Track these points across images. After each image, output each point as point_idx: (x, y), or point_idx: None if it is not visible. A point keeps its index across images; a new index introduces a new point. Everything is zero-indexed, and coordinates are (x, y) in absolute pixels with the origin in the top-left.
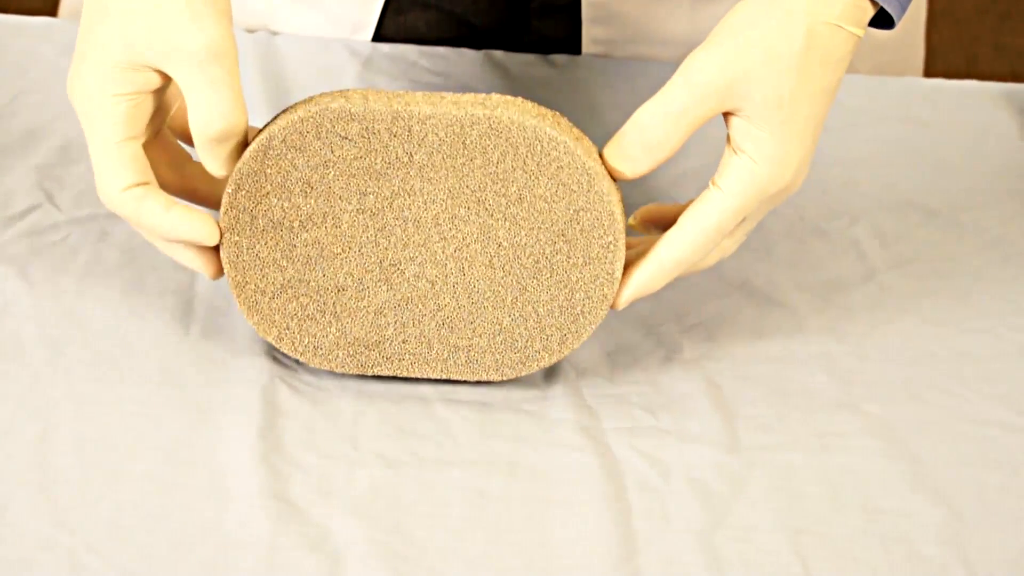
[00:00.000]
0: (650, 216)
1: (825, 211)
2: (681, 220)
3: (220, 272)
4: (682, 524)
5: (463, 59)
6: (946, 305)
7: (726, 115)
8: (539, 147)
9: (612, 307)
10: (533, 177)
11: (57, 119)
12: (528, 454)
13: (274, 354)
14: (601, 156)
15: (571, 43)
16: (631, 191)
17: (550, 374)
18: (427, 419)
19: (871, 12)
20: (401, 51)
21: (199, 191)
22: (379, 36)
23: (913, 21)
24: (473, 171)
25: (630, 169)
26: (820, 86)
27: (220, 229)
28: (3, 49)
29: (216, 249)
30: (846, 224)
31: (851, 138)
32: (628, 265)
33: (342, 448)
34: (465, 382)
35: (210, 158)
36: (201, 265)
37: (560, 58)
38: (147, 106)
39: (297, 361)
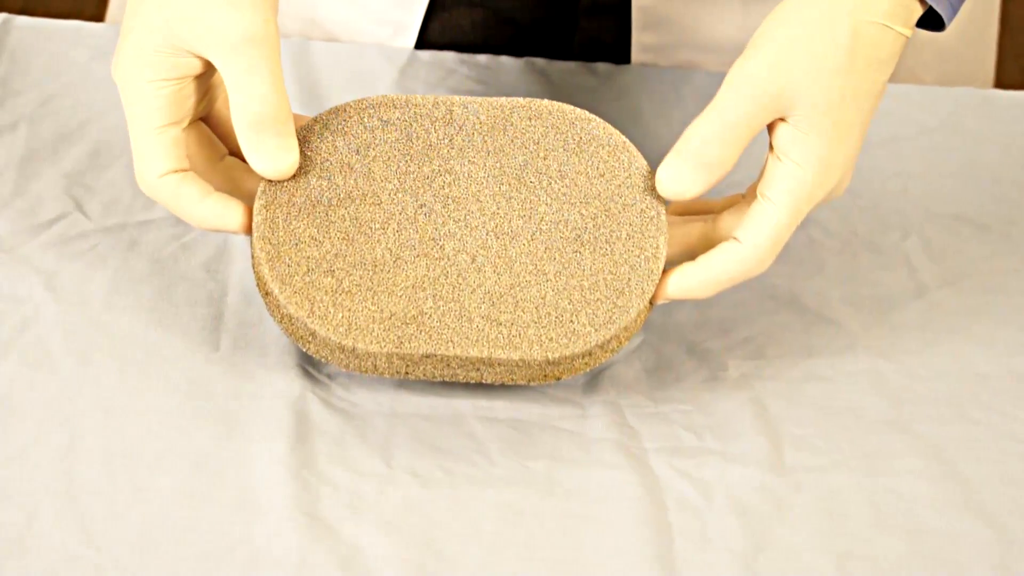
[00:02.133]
0: (688, 210)
1: (877, 225)
2: (738, 234)
3: (249, 228)
4: (723, 546)
5: (503, 66)
6: (997, 323)
7: (770, 125)
8: (579, 126)
9: (652, 300)
10: (573, 154)
11: (88, 124)
12: (565, 473)
13: (306, 367)
14: (654, 177)
15: (620, 49)
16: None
17: (589, 390)
18: (461, 436)
19: (919, 12)
20: (439, 58)
21: (236, 185)
22: (423, 34)
23: (980, 29)
24: (514, 151)
25: (689, 190)
26: (866, 87)
27: (252, 218)
28: (34, 53)
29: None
30: (898, 239)
31: (903, 150)
32: (678, 254)
33: (374, 464)
34: (501, 397)
35: (250, 148)
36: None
37: (603, 66)
38: (188, 92)
39: (329, 375)
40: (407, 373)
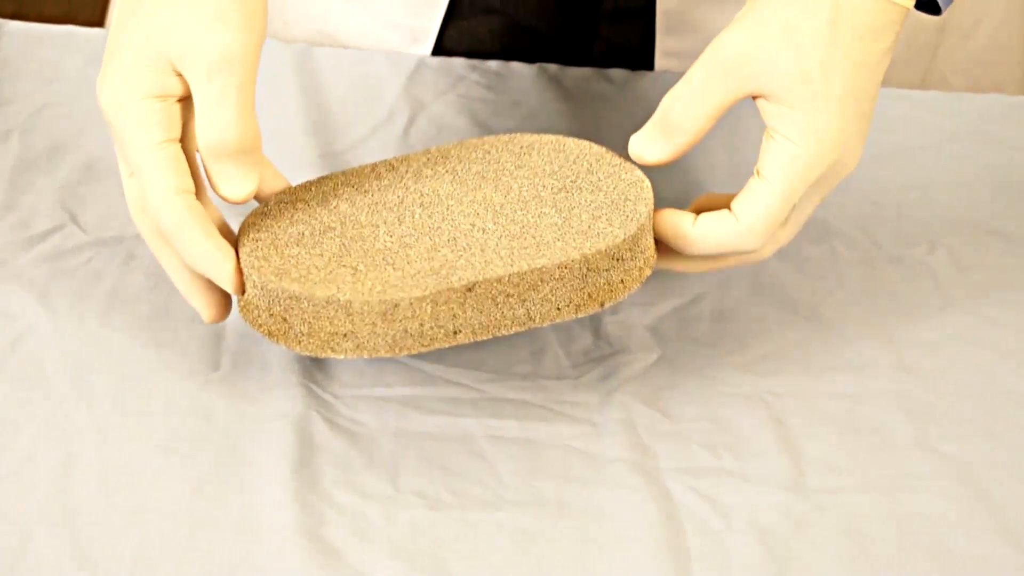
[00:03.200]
0: (705, 205)
1: (901, 237)
2: (732, 206)
3: (220, 318)
4: (743, 570)
5: (514, 73)
6: None
7: (757, 100)
8: (518, 139)
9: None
10: (524, 154)
11: (82, 134)
12: (578, 495)
13: (309, 386)
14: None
15: (643, 55)
16: (685, 183)
17: (602, 407)
18: (471, 457)
19: None
20: (448, 64)
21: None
22: (440, 42)
23: (1012, 33)
24: (467, 165)
25: (653, 154)
26: (855, 58)
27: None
28: (26, 60)
29: (228, 294)
30: (923, 251)
31: (929, 158)
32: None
33: (381, 487)
34: (511, 415)
35: (211, 173)
36: (204, 303)
37: (619, 73)
38: (176, 111)
39: (333, 394)
40: (455, 331)
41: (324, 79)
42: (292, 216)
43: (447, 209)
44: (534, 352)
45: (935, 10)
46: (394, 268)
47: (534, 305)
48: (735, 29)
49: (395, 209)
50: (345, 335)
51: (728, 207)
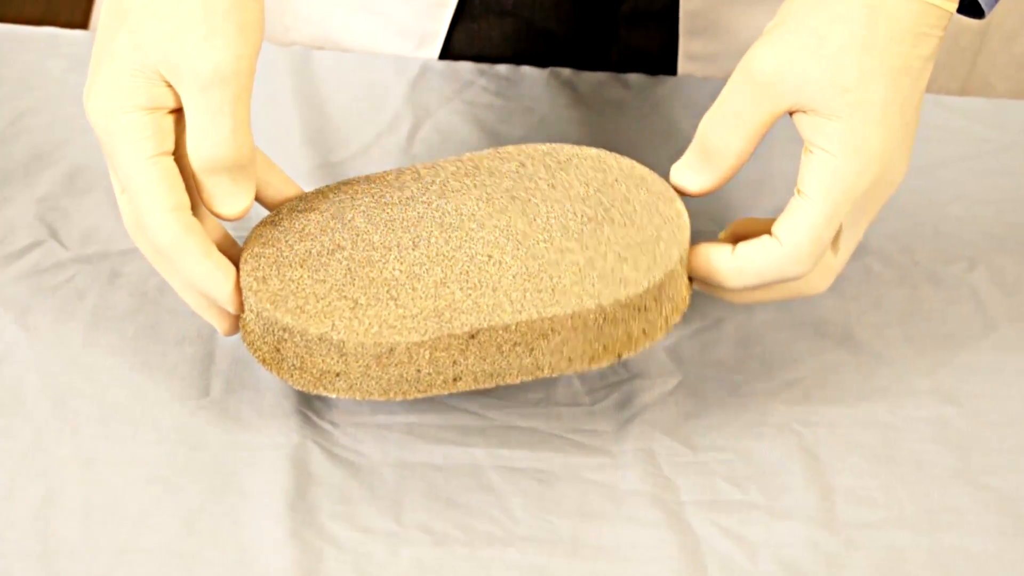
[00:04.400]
0: (743, 230)
1: (941, 254)
2: (775, 231)
3: (234, 330)
4: None
5: (525, 77)
6: None
7: (793, 115)
8: (556, 151)
9: (690, 271)
10: (559, 170)
11: (65, 143)
12: (595, 531)
13: (305, 412)
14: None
15: (665, 60)
16: (715, 202)
17: (620, 436)
18: (479, 490)
19: None
20: (455, 68)
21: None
22: (448, 46)
23: None
24: (496, 181)
25: (696, 184)
26: (895, 64)
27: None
28: (4, 64)
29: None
30: (964, 269)
31: (970, 170)
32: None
33: (383, 522)
34: (523, 445)
35: (204, 189)
36: (215, 317)
37: (636, 78)
38: (167, 123)
39: (332, 422)
40: (455, 379)
41: (323, 85)
42: (303, 229)
43: (467, 234)
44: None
45: (978, 13)
46: (396, 304)
47: (543, 355)
48: (765, 42)
49: (412, 229)
50: (338, 374)
51: (769, 232)
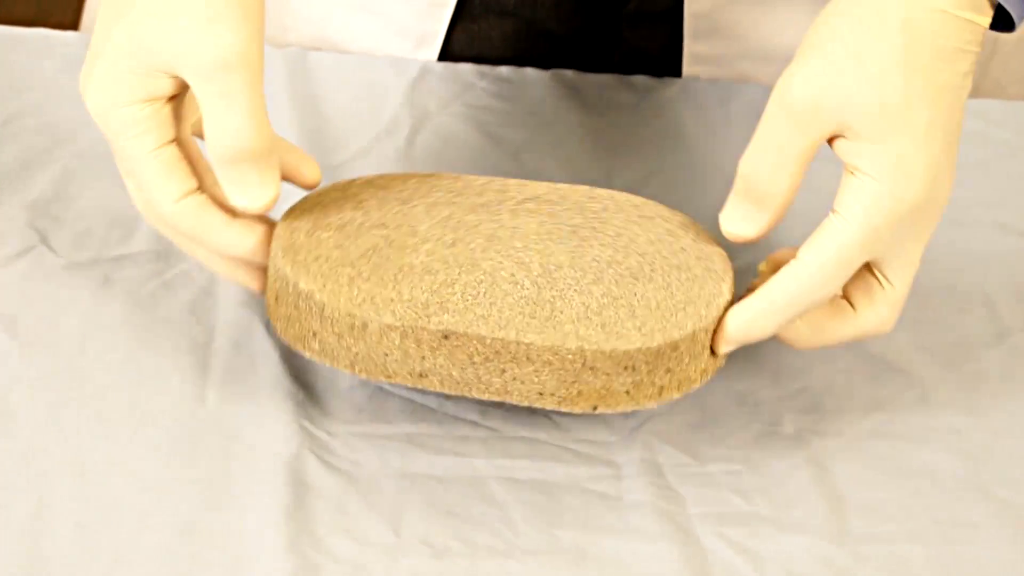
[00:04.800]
0: (783, 261)
1: (953, 260)
2: (799, 253)
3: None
4: None
5: (528, 79)
6: None
7: (832, 142)
8: (644, 207)
9: (715, 345)
10: (633, 224)
11: (55, 147)
12: (598, 543)
13: (302, 423)
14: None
15: (669, 60)
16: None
17: (624, 446)
18: (480, 501)
19: (988, 5)
20: (455, 70)
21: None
22: (447, 46)
23: None
24: (569, 214)
25: (750, 229)
26: (937, 82)
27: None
28: None
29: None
30: (977, 275)
31: (983, 173)
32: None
33: (382, 534)
34: (525, 455)
35: (226, 182)
36: (249, 279)
37: (642, 79)
38: (167, 109)
39: (329, 432)
40: (421, 374)
41: (319, 86)
42: (363, 200)
43: (508, 250)
44: None
45: (1009, 26)
46: (394, 287)
47: (513, 380)
48: (800, 67)
49: (459, 231)
50: (315, 335)
51: None
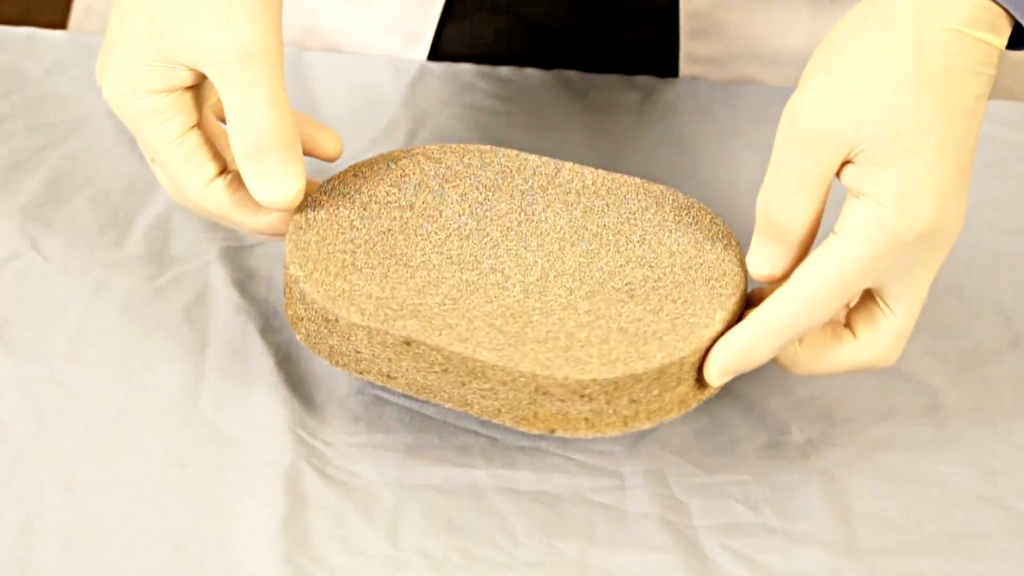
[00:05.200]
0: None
1: (965, 263)
2: (794, 274)
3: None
4: None
5: (529, 80)
6: None
7: (839, 169)
8: (686, 206)
9: (703, 376)
10: (666, 231)
11: (45, 149)
12: (602, 555)
13: (299, 432)
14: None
15: (666, 61)
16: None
17: (629, 456)
18: (481, 512)
19: (1007, 23)
20: (454, 70)
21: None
22: (436, 44)
23: None
24: (605, 213)
25: (777, 267)
26: (949, 103)
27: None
28: None
29: None
30: (989, 279)
31: (993, 176)
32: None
33: (380, 546)
34: (526, 465)
35: (249, 175)
36: (274, 227)
37: (646, 80)
38: (187, 101)
39: (326, 442)
40: (389, 375)
41: (315, 87)
42: (408, 177)
43: (519, 248)
44: None
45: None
46: (380, 282)
47: (472, 393)
48: (808, 91)
49: (484, 220)
50: (301, 320)
51: None
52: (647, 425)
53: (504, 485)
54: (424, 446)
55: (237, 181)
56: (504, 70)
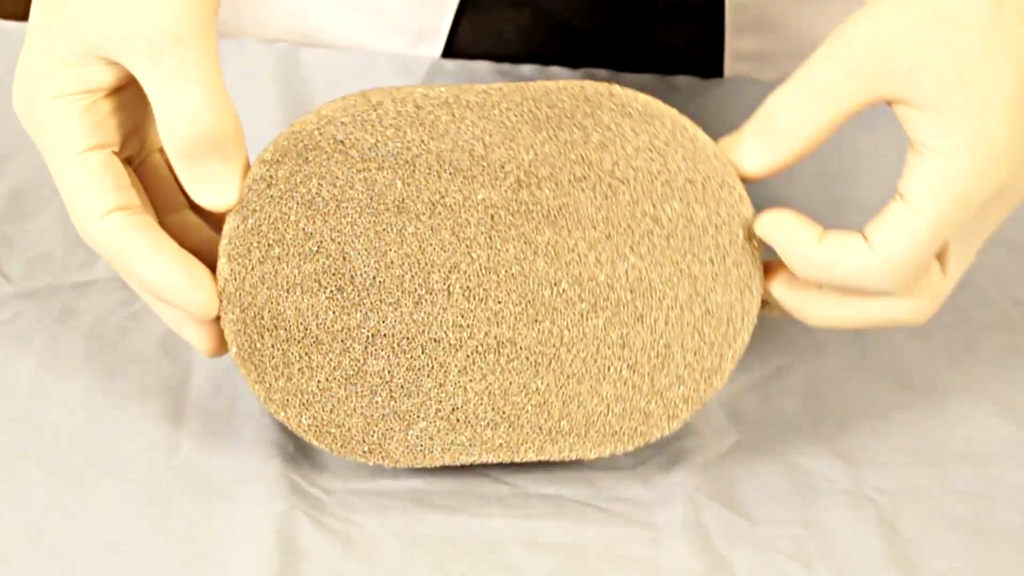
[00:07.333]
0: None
1: None
2: (868, 234)
3: (221, 349)
4: None
5: (554, 79)
6: None
7: (896, 107)
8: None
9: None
10: (705, 247)
11: (6, 159)
12: None
13: (292, 477)
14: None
15: (709, 60)
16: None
17: (664, 504)
18: (498, 568)
19: None
20: (470, 68)
21: (194, 246)
22: (452, 42)
23: None
24: (610, 200)
25: (753, 164)
26: (1019, 47)
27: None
28: None
29: (218, 319)
30: None
31: None
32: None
33: None
34: (549, 516)
35: (188, 178)
36: (195, 336)
37: (686, 80)
38: (106, 110)
39: (324, 489)
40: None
41: (313, 87)
42: (368, 147)
43: (480, 242)
44: None
45: None
46: (318, 287)
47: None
48: (868, 14)
49: (458, 220)
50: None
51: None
52: (610, 453)
53: (524, 537)
54: (434, 493)
55: (138, 222)
56: (526, 69)
